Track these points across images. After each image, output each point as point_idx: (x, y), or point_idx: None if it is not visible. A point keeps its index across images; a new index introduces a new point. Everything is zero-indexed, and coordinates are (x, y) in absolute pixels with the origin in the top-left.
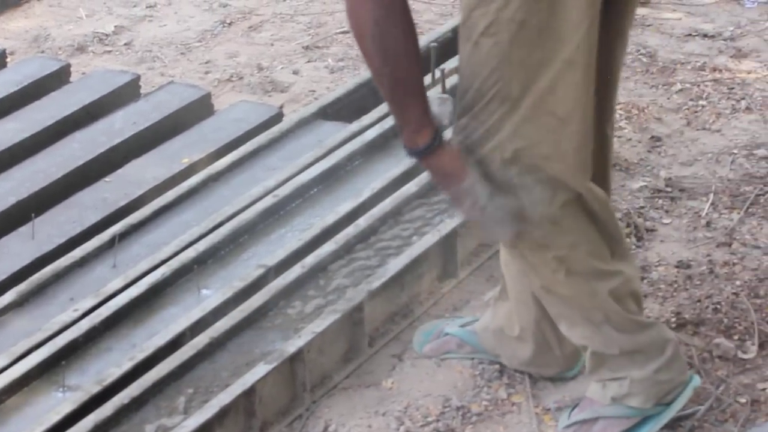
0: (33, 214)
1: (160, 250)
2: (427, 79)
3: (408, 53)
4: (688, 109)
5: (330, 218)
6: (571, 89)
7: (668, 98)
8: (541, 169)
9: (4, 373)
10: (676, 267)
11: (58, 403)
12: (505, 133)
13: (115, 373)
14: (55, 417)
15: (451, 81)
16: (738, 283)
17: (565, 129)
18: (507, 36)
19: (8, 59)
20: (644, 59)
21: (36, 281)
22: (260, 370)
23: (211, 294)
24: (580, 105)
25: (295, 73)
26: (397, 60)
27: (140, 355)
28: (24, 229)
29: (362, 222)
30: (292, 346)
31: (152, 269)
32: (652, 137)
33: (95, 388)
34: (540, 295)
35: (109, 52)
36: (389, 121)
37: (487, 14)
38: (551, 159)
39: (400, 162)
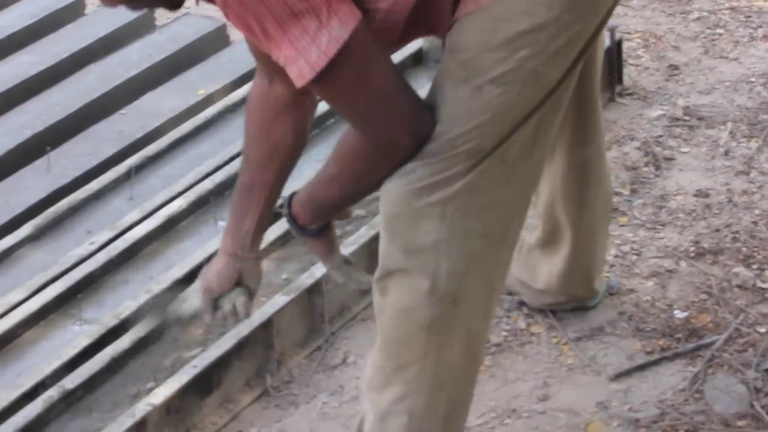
0: (48, 147)
1: (176, 182)
2: None
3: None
4: (705, 37)
5: None
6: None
7: (685, 26)
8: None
9: (21, 307)
10: (695, 196)
11: (75, 336)
12: (456, 191)
13: (132, 305)
14: (72, 350)
15: None
16: (757, 211)
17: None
18: (519, 88)
19: None
20: None
21: (52, 214)
22: (278, 301)
23: None
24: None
25: None
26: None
27: (157, 288)
28: (40, 162)
29: None
30: (310, 277)
31: (169, 201)
32: (670, 65)
33: (112, 321)
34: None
35: None
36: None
37: (506, 61)
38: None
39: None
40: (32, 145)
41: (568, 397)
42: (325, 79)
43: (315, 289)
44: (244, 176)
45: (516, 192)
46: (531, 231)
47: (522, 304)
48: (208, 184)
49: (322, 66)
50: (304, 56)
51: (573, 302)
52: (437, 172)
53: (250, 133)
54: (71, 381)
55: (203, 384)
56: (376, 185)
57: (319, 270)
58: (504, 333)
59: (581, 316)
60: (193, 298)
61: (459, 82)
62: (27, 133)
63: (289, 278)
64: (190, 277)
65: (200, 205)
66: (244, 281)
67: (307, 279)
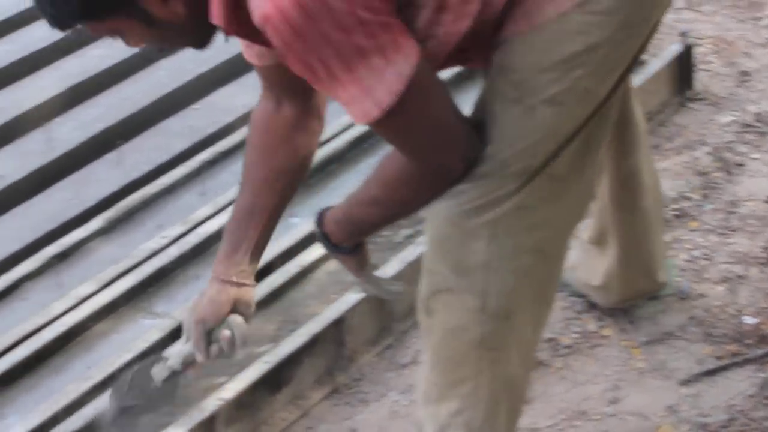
0: (120, 141)
1: None
2: None
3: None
4: None
5: None
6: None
7: (756, 33)
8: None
9: (92, 300)
10: (766, 202)
11: (145, 330)
12: (506, 210)
13: None
14: (142, 344)
15: None
16: None
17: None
18: (571, 107)
19: None
20: None
21: (124, 208)
22: (350, 299)
23: (300, 222)
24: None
25: None
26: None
27: None
28: (111, 156)
29: None
30: (382, 275)
31: None
32: (741, 72)
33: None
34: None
35: None
36: None
37: (560, 81)
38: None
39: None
40: (103, 139)
41: (637, 401)
42: (390, 115)
43: None
44: (242, 201)
45: (568, 207)
46: (584, 228)
47: (593, 306)
48: None
49: (390, 104)
50: (371, 95)
51: (641, 296)
52: (487, 193)
53: (251, 157)
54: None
55: (274, 380)
56: (421, 208)
57: (391, 268)
58: (574, 335)
59: (652, 319)
60: (181, 340)
61: (511, 102)
62: (98, 127)
63: None
64: (262, 274)
65: None
66: (237, 309)
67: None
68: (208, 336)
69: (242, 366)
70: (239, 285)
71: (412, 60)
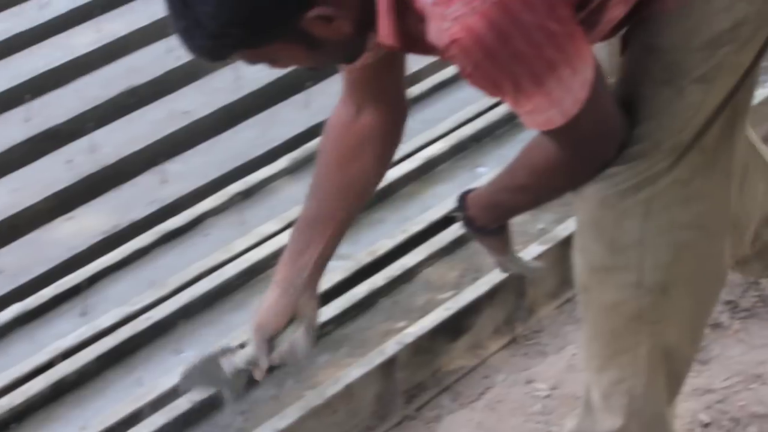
0: (308, 83)
1: (436, 126)
2: None
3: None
4: None
5: None
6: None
7: None
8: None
9: (275, 239)
10: None
11: (328, 270)
12: (661, 187)
13: (387, 244)
14: (325, 284)
15: None
16: None
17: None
18: (719, 82)
19: None
20: None
21: (309, 149)
22: (533, 250)
23: (486, 172)
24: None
25: None
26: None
27: (413, 228)
28: (298, 98)
29: None
30: (565, 229)
31: (427, 144)
32: None
33: (366, 259)
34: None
35: None
36: None
37: (709, 59)
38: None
39: None
40: (291, 81)
41: None
42: (572, 121)
43: (569, 240)
44: (309, 210)
45: (721, 177)
46: None
47: None
48: (468, 130)
49: (576, 112)
50: (558, 105)
51: None
52: (641, 173)
53: (324, 165)
54: (323, 315)
55: (453, 327)
56: (570, 192)
57: (574, 223)
58: (753, 299)
59: None
60: (248, 344)
61: (660, 83)
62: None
63: (545, 228)
64: (445, 222)
65: (459, 150)
66: (299, 316)
67: (562, 230)
68: (270, 342)
69: (423, 311)
70: (301, 292)
71: (590, 64)
